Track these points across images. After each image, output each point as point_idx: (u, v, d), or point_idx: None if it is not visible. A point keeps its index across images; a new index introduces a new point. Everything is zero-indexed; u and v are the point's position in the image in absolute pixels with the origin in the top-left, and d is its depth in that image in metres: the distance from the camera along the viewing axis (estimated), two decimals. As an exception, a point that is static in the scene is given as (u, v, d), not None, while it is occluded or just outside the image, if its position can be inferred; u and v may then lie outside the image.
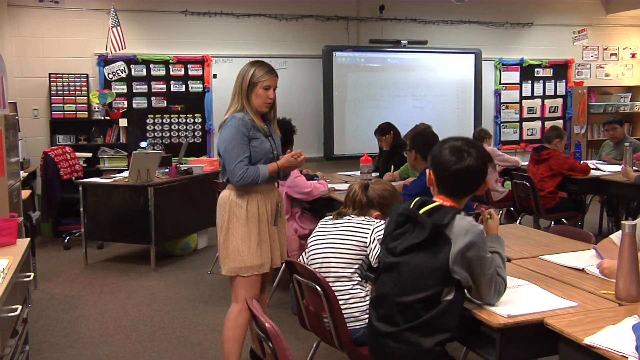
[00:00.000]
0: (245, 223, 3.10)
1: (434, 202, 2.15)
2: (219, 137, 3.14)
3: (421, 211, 2.12)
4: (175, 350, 3.79)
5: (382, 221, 2.77)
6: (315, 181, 4.77)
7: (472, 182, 2.18)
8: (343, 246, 2.73)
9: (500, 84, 9.01)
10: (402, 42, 8.34)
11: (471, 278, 2.04)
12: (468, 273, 2.03)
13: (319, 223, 2.95)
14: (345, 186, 5.16)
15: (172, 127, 7.69)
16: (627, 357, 1.65)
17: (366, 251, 2.69)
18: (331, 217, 2.94)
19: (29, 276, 2.98)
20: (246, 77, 3.09)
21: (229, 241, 3.11)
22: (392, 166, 5.51)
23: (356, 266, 2.70)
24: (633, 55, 9.67)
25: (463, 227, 2.03)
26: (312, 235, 2.91)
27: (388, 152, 5.86)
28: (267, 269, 3.18)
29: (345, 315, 2.59)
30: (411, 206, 2.18)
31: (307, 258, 2.90)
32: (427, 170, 2.24)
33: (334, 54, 8.05)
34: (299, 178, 4.57)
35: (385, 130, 5.89)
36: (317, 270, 2.68)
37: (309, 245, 2.90)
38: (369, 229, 2.71)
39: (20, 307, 2.46)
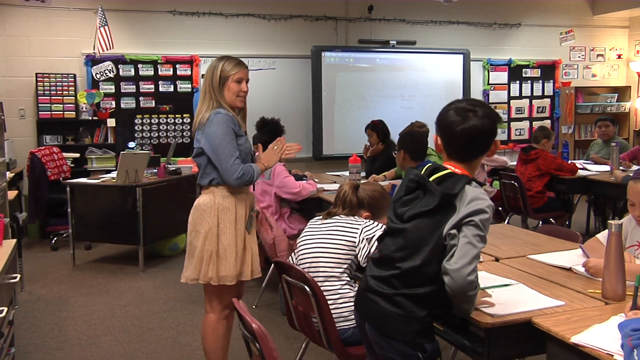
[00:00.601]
0: (234, 228, 2.98)
1: (445, 168, 2.05)
2: (202, 135, 2.95)
3: (431, 178, 2.03)
4: (163, 351, 3.78)
5: (372, 221, 2.78)
6: (304, 181, 4.77)
7: (480, 142, 2.06)
8: (332, 245, 2.74)
9: (488, 84, 9.05)
10: (390, 42, 8.36)
11: (457, 242, 1.93)
12: (458, 235, 1.94)
13: (309, 223, 2.96)
14: (334, 186, 5.17)
15: (161, 127, 7.66)
16: (613, 355, 1.66)
17: (355, 251, 2.70)
18: (321, 217, 2.95)
19: (16, 278, 2.96)
20: (216, 73, 2.96)
21: (215, 248, 2.95)
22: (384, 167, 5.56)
23: (345, 266, 2.71)
24: (619, 56, 9.76)
25: (469, 195, 1.95)
26: (301, 235, 2.91)
27: (371, 157, 5.93)
28: (248, 275, 3.06)
29: (334, 315, 2.59)
30: (422, 172, 2.09)
31: (296, 258, 2.90)
32: (434, 136, 2.15)
33: (323, 54, 8.05)
34: (287, 178, 4.57)
35: (379, 126, 5.95)
36: (306, 269, 2.68)
37: (298, 245, 2.90)
38: (358, 228, 2.72)
39: (6, 309, 2.43)
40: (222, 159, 2.89)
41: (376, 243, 2.62)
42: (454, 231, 1.93)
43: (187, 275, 3.04)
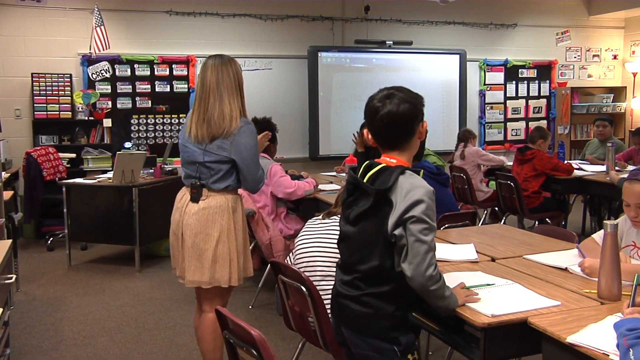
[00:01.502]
0: (242, 229, 3.05)
1: (378, 164, 2.06)
2: (230, 144, 2.90)
3: (368, 175, 2.05)
4: (159, 351, 3.77)
5: None
6: (301, 181, 4.77)
7: (401, 127, 2.05)
8: (329, 245, 2.74)
9: (484, 84, 9.06)
10: (387, 42, 8.36)
11: (406, 241, 1.94)
12: (405, 234, 1.95)
13: (307, 222, 2.96)
14: (330, 186, 5.17)
15: (157, 127, 7.65)
16: (608, 355, 1.66)
17: None
18: (320, 216, 2.94)
19: (11, 278, 2.95)
20: (239, 74, 2.95)
21: (228, 250, 2.96)
22: None
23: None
24: (615, 57, 9.78)
25: (404, 188, 1.96)
26: (299, 235, 2.92)
27: (362, 153, 5.90)
28: (250, 272, 3.13)
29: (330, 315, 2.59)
30: (360, 171, 2.11)
31: (294, 257, 2.90)
32: (365, 131, 2.15)
33: (319, 54, 8.05)
34: (283, 178, 4.57)
35: None
36: (303, 268, 2.68)
37: (296, 244, 2.90)
38: None
39: (1, 309, 2.43)
40: (253, 169, 2.96)
41: None
42: (399, 231, 1.95)
43: (194, 279, 2.99)
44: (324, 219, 2.89)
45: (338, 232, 2.74)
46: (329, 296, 2.65)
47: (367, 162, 2.11)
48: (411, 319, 2.13)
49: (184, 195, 3.08)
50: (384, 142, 2.10)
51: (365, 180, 2.05)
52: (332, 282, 2.67)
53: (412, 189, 1.96)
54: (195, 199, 2.99)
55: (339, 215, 2.84)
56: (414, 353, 2.09)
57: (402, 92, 2.07)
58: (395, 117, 2.03)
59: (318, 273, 2.72)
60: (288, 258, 2.98)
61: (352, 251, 2.10)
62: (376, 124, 2.07)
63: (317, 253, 2.75)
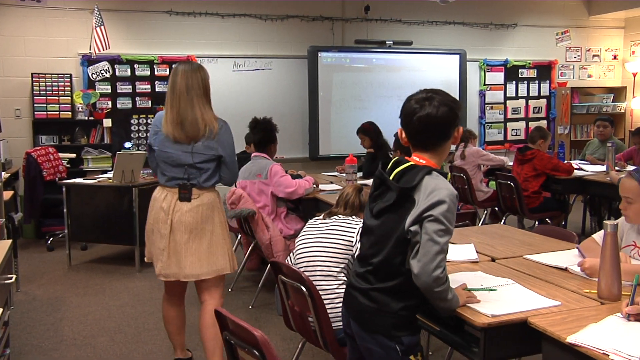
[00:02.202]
0: (226, 222, 3.30)
1: (407, 162, 2.10)
2: (216, 142, 3.13)
3: (395, 172, 2.09)
4: (159, 351, 3.77)
5: None
6: (300, 179, 4.77)
7: (438, 130, 2.08)
8: (330, 245, 2.74)
9: (484, 84, 9.06)
10: (387, 42, 8.36)
11: (420, 238, 1.96)
12: (420, 232, 1.97)
13: (308, 222, 2.96)
14: (330, 186, 5.18)
15: (157, 127, 7.63)
16: (608, 355, 1.66)
17: (352, 250, 2.70)
18: (321, 216, 2.95)
19: (11, 278, 2.96)
20: (207, 81, 3.17)
21: (222, 240, 3.19)
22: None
23: (342, 265, 2.71)
24: (615, 57, 9.78)
25: (428, 187, 1.98)
26: (300, 234, 2.92)
27: (371, 153, 5.89)
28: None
29: (330, 315, 2.59)
30: (388, 167, 2.15)
31: (294, 258, 2.90)
32: (399, 129, 2.18)
33: (319, 55, 8.05)
34: (283, 177, 4.57)
35: (369, 129, 5.92)
36: (303, 268, 2.68)
37: (296, 244, 2.91)
38: (356, 228, 2.73)
39: (1, 309, 2.43)
40: (234, 163, 3.23)
41: None
42: (415, 227, 1.97)
43: (193, 272, 3.15)
44: (324, 219, 2.90)
45: (339, 232, 2.75)
46: (329, 296, 2.66)
47: (397, 158, 2.15)
48: (418, 323, 2.14)
49: (166, 195, 3.19)
50: (417, 143, 2.12)
51: (392, 177, 2.09)
52: (333, 282, 2.68)
53: (436, 189, 1.97)
54: (186, 198, 3.14)
55: (340, 216, 2.85)
56: (417, 355, 2.09)
57: (440, 95, 2.10)
58: (433, 120, 2.06)
59: (318, 273, 2.72)
60: (288, 258, 2.98)
61: (370, 244, 2.12)
62: (413, 125, 2.09)
63: (317, 253, 2.76)
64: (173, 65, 7.44)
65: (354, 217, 2.84)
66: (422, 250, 1.95)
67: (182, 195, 3.14)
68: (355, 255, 2.26)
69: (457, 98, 8.54)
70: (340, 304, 2.63)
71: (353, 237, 2.71)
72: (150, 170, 5.90)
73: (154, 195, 3.28)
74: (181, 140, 3.11)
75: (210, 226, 3.17)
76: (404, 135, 2.15)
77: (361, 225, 2.72)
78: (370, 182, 5.13)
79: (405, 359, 2.08)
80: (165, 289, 3.44)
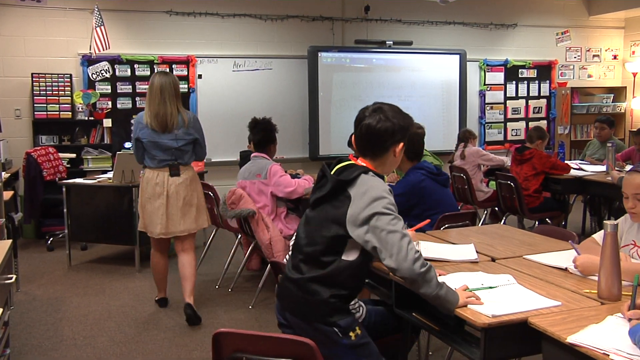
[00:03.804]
0: (202, 189, 4.37)
1: (349, 160, 2.27)
2: (192, 129, 4.18)
3: (336, 168, 2.24)
4: (160, 351, 3.77)
5: None
6: (300, 178, 4.77)
7: (375, 140, 2.24)
8: None
9: (484, 84, 9.06)
10: (387, 42, 8.36)
11: (376, 240, 2.08)
12: (371, 235, 2.09)
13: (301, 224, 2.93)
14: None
15: (157, 127, 7.64)
16: (608, 355, 1.66)
17: None
18: None
19: (11, 278, 2.96)
20: (177, 84, 4.19)
21: (202, 204, 4.30)
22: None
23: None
24: (615, 57, 9.78)
25: (363, 185, 2.13)
26: (295, 237, 2.89)
27: None
28: None
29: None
30: (333, 164, 2.30)
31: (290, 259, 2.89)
32: (352, 134, 2.33)
33: (319, 55, 8.05)
34: (283, 177, 4.57)
35: None
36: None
37: (291, 245, 2.88)
38: None
39: (1, 309, 2.43)
40: (204, 143, 4.30)
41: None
42: (366, 236, 2.10)
43: (186, 228, 4.20)
44: None
45: None
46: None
47: (342, 158, 2.32)
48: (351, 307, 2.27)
49: (157, 174, 4.17)
50: (359, 148, 2.30)
51: (332, 172, 2.24)
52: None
53: (371, 188, 2.13)
54: (176, 174, 4.16)
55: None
56: (355, 329, 2.22)
57: (391, 111, 2.27)
58: (372, 131, 2.24)
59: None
60: (286, 258, 2.97)
61: (305, 234, 2.26)
62: (358, 131, 2.29)
63: None
64: (173, 65, 7.56)
65: None
66: (387, 245, 2.07)
67: (172, 172, 4.15)
68: (291, 246, 2.38)
69: (457, 98, 8.65)
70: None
71: None
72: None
73: (145, 177, 4.22)
74: (160, 130, 4.08)
75: (196, 193, 4.24)
76: (353, 138, 2.31)
77: None
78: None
79: (346, 338, 2.19)
80: (156, 246, 4.37)
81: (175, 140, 4.12)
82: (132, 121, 4.17)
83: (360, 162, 2.26)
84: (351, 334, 2.20)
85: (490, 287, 2.26)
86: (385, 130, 2.23)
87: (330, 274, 2.17)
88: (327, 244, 2.17)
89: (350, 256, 2.18)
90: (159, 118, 4.07)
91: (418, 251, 2.08)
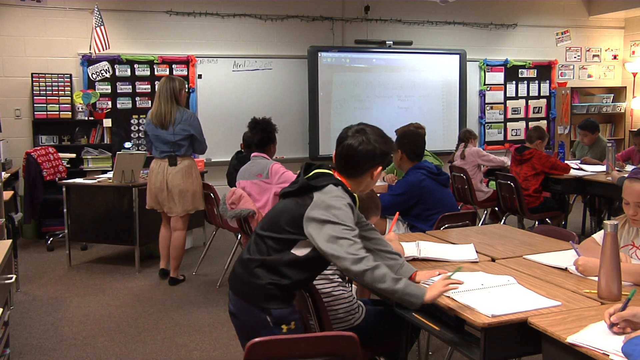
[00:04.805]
0: (199, 177, 5.14)
1: (328, 169, 2.31)
2: (188, 125, 4.87)
3: (313, 172, 2.29)
4: (160, 351, 3.77)
5: None
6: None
7: (354, 161, 2.29)
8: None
9: (484, 84, 9.06)
10: (387, 42, 8.36)
11: (325, 244, 2.11)
12: (322, 239, 2.12)
13: None
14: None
15: (157, 127, 7.64)
16: (608, 355, 1.66)
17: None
18: None
19: (11, 278, 2.96)
20: (175, 88, 4.84)
21: (197, 189, 5.04)
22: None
23: (335, 267, 2.68)
24: (615, 57, 9.78)
25: (328, 193, 2.18)
26: None
27: None
28: None
29: (329, 316, 2.58)
30: (317, 166, 2.36)
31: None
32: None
33: (319, 55, 8.05)
34: (286, 173, 4.57)
35: None
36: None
37: None
38: None
39: (1, 309, 2.43)
40: (202, 138, 4.98)
41: None
42: (314, 232, 2.13)
43: (184, 209, 4.99)
44: None
45: None
46: (327, 299, 2.65)
47: (321, 163, 2.36)
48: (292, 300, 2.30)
49: (160, 164, 4.94)
50: (337, 164, 2.34)
51: (310, 174, 2.29)
52: (327, 285, 2.65)
53: (334, 197, 2.17)
54: (174, 164, 4.91)
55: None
56: (289, 323, 2.24)
57: (372, 133, 2.30)
58: (352, 152, 2.28)
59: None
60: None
61: (267, 218, 2.35)
62: (338, 149, 2.34)
63: None
64: (173, 65, 7.56)
65: None
66: (335, 249, 2.10)
67: (170, 162, 4.91)
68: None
69: (457, 98, 8.65)
70: (338, 306, 2.63)
71: None
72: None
73: (151, 166, 5.02)
74: (159, 125, 4.83)
75: (191, 180, 4.98)
76: (334, 154, 2.37)
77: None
78: (386, 178, 5.17)
79: (277, 329, 2.22)
80: (163, 221, 5.16)
81: (173, 135, 4.84)
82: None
83: (337, 175, 2.30)
84: (283, 326, 2.23)
85: (459, 270, 2.29)
86: (366, 153, 2.27)
87: (274, 262, 2.22)
88: (280, 233, 2.23)
89: (299, 251, 2.22)
90: (157, 116, 4.84)
91: (359, 250, 2.10)
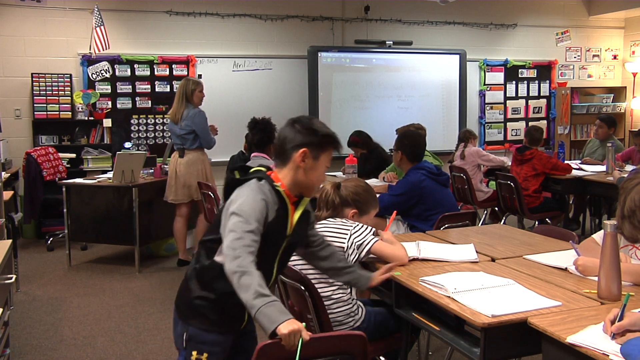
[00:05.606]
0: (207, 170, 5.63)
1: (264, 167, 2.19)
2: (192, 120, 5.37)
3: (252, 170, 2.18)
4: (159, 351, 3.77)
5: (360, 224, 2.72)
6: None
7: (278, 146, 2.17)
8: None
9: (484, 84, 9.06)
10: (387, 42, 8.36)
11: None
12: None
13: None
14: (330, 186, 5.17)
15: (157, 127, 7.65)
16: (608, 355, 1.66)
17: (344, 256, 2.65)
18: None
19: (11, 278, 2.96)
20: (187, 88, 5.41)
21: (202, 180, 5.43)
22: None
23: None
24: (615, 57, 9.78)
25: (245, 188, 2.04)
26: None
27: (364, 153, 5.93)
28: None
29: (330, 317, 2.58)
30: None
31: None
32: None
33: (319, 55, 8.05)
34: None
35: (358, 142, 6.00)
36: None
37: None
38: (347, 234, 2.66)
39: (1, 309, 2.43)
40: (205, 134, 5.45)
41: (367, 248, 2.61)
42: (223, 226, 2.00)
43: (187, 196, 5.50)
44: None
45: (329, 239, 2.70)
46: (327, 302, 2.64)
47: (261, 164, 2.26)
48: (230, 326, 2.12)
49: (175, 155, 5.54)
50: (273, 151, 2.27)
51: (250, 171, 2.18)
52: (327, 289, 2.65)
53: (248, 190, 2.02)
54: (182, 156, 5.47)
55: (328, 220, 2.79)
56: (201, 353, 2.04)
57: (301, 122, 2.16)
58: (281, 131, 2.19)
59: (310, 279, 2.69)
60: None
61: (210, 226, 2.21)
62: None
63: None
64: (173, 65, 7.56)
65: (343, 220, 2.77)
66: (225, 245, 1.93)
67: (180, 154, 5.48)
68: None
69: (457, 98, 8.65)
70: (338, 309, 2.62)
71: (344, 243, 2.64)
72: (150, 170, 5.96)
73: (171, 158, 5.64)
74: (173, 121, 5.47)
75: (195, 171, 5.46)
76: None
77: (354, 231, 2.67)
78: (387, 177, 5.18)
79: (188, 353, 2.05)
80: (178, 211, 5.59)
81: (181, 129, 5.40)
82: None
83: (275, 170, 2.17)
84: (194, 353, 2.03)
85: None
86: (285, 137, 2.15)
87: (207, 271, 2.06)
88: (212, 237, 2.08)
89: (221, 258, 1.99)
90: (171, 113, 5.49)
91: (241, 256, 1.87)
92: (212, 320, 2.06)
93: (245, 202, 1.97)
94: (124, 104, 7.51)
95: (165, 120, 7.66)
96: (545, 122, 9.36)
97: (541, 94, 9.42)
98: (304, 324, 1.82)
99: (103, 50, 6.78)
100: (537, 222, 5.69)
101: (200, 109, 5.44)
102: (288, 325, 1.75)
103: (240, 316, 2.12)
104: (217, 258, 2.03)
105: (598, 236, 2.64)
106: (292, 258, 2.74)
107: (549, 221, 5.74)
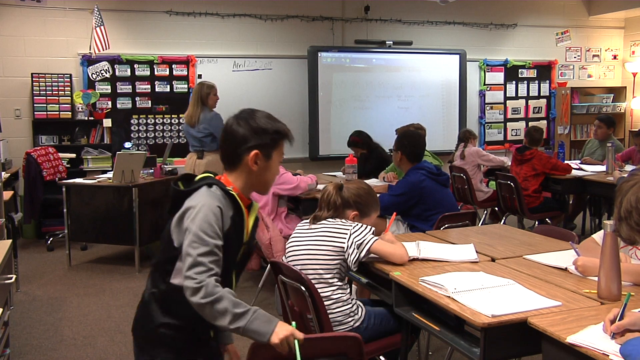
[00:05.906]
0: None
1: (211, 173, 1.97)
2: (210, 123, 5.57)
3: (197, 178, 1.96)
4: (159, 352, 3.76)
5: (359, 224, 2.71)
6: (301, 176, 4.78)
7: (227, 145, 1.95)
8: (319, 253, 2.67)
9: (484, 84, 9.06)
10: (387, 42, 8.36)
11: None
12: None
13: (296, 227, 2.89)
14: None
15: (157, 127, 7.65)
16: (608, 355, 1.66)
17: (344, 256, 2.64)
18: (307, 221, 2.88)
19: (11, 278, 2.96)
20: (202, 92, 5.62)
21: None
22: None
23: (335, 271, 2.66)
24: (615, 57, 9.78)
25: (196, 197, 1.83)
26: (289, 240, 2.85)
27: (364, 153, 5.93)
28: None
29: (330, 318, 2.58)
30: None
31: (286, 262, 2.87)
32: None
33: (319, 55, 8.05)
34: (285, 175, 4.58)
35: (358, 142, 6.00)
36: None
37: (286, 249, 2.85)
38: (346, 234, 2.66)
39: (1, 309, 2.43)
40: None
41: (367, 247, 2.60)
42: (175, 236, 1.85)
43: None
44: (311, 224, 2.83)
45: (328, 240, 2.70)
46: (326, 302, 2.64)
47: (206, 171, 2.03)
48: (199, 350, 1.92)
49: (191, 157, 5.75)
50: (222, 155, 2.00)
51: (196, 179, 1.98)
52: (327, 289, 2.65)
53: (201, 201, 1.81)
54: (200, 157, 5.68)
55: (328, 220, 2.79)
56: None
57: (255, 117, 1.94)
58: (227, 132, 1.94)
59: (310, 279, 2.69)
60: (282, 259, 2.95)
61: (161, 240, 1.98)
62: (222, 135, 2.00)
63: (307, 260, 2.69)
64: (173, 65, 7.56)
65: (343, 220, 2.77)
66: (184, 264, 1.77)
67: (198, 155, 5.69)
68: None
69: (457, 98, 8.65)
70: (338, 309, 2.62)
71: (344, 243, 2.64)
72: (150, 170, 5.97)
73: (186, 159, 5.83)
74: (189, 124, 5.65)
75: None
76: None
77: (354, 231, 2.67)
78: (387, 177, 5.20)
79: None
80: None
81: (198, 132, 5.61)
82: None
83: (224, 175, 1.98)
84: None
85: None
86: (238, 135, 1.92)
87: (168, 295, 1.86)
88: (165, 258, 1.89)
89: (178, 280, 1.83)
90: (187, 116, 5.69)
91: (203, 283, 1.72)
92: (179, 349, 1.88)
93: (198, 216, 1.78)
94: (124, 104, 7.51)
95: (165, 120, 7.67)
96: (545, 122, 9.37)
97: (541, 94, 9.43)
98: (293, 323, 1.78)
99: (103, 50, 6.78)
100: (537, 222, 5.69)
101: (216, 112, 5.61)
102: (279, 334, 1.73)
103: (206, 337, 1.95)
104: (174, 280, 1.85)
105: (598, 236, 2.64)
106: (292, 258, 2.75)
107: (548, 221, 5.74)
